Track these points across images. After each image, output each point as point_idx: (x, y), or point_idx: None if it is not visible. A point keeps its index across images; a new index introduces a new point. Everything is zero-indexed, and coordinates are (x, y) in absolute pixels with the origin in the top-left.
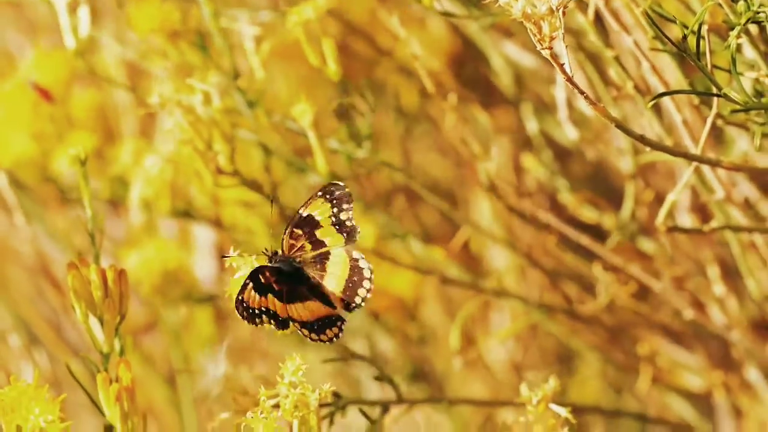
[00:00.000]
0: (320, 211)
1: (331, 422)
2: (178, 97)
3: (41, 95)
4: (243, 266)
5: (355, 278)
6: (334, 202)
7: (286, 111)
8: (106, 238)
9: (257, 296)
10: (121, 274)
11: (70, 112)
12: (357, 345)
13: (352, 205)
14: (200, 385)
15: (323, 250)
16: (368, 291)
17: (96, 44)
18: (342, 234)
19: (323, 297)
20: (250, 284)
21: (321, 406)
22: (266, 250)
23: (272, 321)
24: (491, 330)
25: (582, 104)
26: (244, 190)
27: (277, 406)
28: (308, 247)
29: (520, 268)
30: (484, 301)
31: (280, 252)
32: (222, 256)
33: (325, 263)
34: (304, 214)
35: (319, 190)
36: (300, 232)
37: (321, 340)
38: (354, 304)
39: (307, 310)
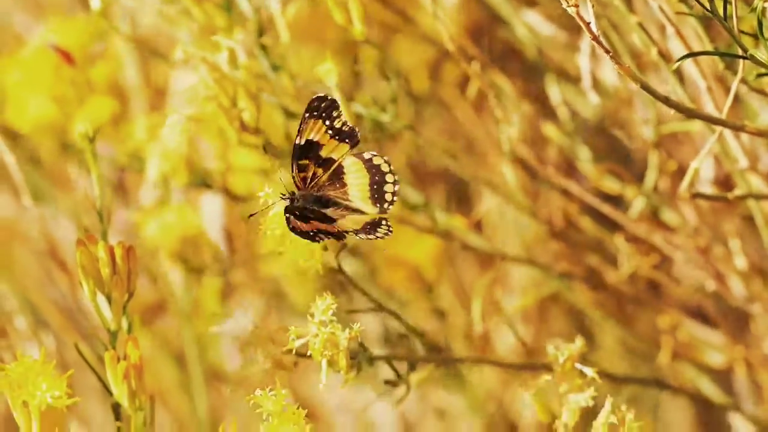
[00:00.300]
0: (314, 131)
1: (358, 370)
2: (203, 53)
3: (62, 57)
4: (278, 203)
5: (377, 177)
6: (323, 115)
7: (310, 76)
8: (116, 214)
9: (303, 224)
10: (129, 250)
11: (90, 77)
12: (370, 317)
13: (340, 110)
14: (226, 326)
15: (334, 166)
16: (394, 185)
17: (116, 11)
18: (344, 141)
19: (357, 210)
20: (291, 216)
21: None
22: (283, 195)
23: (329, 236)
24: (502, 307)
25: (606, 73)
26: (261, 156)
27: (302, 355)
28: (320, 171)
29: (538, 238)
30: (494, 280)
31: (296, 191)
32: (250, 215)
33: (342, 177)
34: (302, 143)
35: (305, 112)
36: (305, 161)
37: (377, 237)
38: (387, 203)
39: (350, 221)
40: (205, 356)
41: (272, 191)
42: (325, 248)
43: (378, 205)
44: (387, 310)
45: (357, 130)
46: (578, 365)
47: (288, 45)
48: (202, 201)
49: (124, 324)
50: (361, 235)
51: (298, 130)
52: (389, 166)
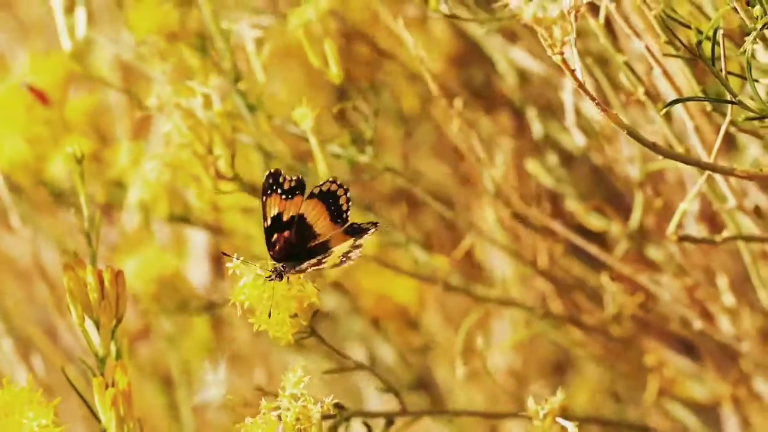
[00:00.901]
0: (273, 205)
1: None
2: (177, 99)
3: (37, 97)
4: (247, 273)
5: (330, 200)
6: (274, 187)
7: (287, 115)
8: (100, 243)
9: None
10: (117, 275)
11: (65, 115)
12: (357, 353)
13: (283, 174)
14: (200, 395)
15: (296, 220)
16: (346, 194)
17: (91, 46)
18: (296, 195)
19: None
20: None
21: (323, 418)
22: (270, 277)
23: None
24: (492, 340)
25: (590, 110)
26: (243, 195)
27: (278, 418)
28: (287, 233)
29: (524, 276)
30: (485, 311)
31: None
32: (223, 253)
33: (307, 223)
34: (268, 224)
35: (262, 195)
36: (275, 236)
37: (353, 259)
38: (345, 214)
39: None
40: (192, 380)
41: (240, 260)
42: (295, 315)
43: (340, 221)
44: (366, 368)
45: (301, 176)
46: (559, 420)
47: (264, 85)
48: (188, 233)
49: (113, 349)
50: (344, 263)
51: (263, 216)
52: (335, 183)
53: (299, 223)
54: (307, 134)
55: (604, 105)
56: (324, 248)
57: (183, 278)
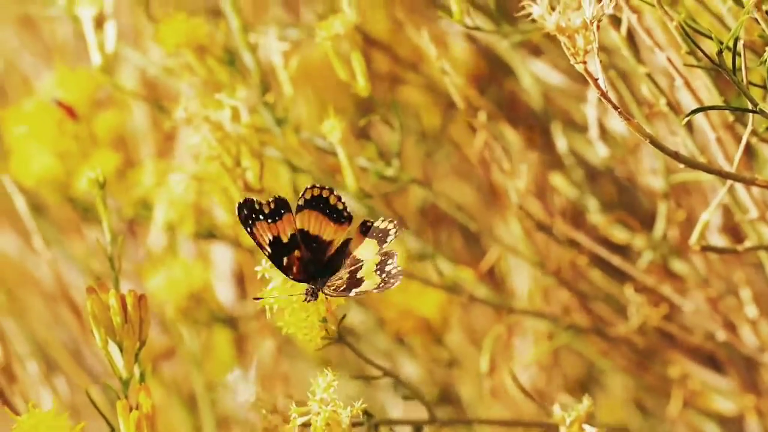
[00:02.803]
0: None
1: None
2: (206, 112)
3: (66, 112)
4: (276, 277)
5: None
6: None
7: (313, 129)
8: (124, 260)
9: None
10: (140, 299)
11: (93, 130)
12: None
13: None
14: (229, 404)
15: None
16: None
17: (119, 62)
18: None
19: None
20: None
21: (352, 425)
22: (306, 298)
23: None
24: (514, 355)
25: (613, 122)
26: None
27: (307, 424)
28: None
29: (548, 289)
30: (509, 325)
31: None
32: (255, 298)
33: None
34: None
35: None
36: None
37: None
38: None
39: None
40: (217, 401)
41: (269, 265)
42: (324, 319)
43: (344, 220)
44: (392, 376)
45: (277, 196)
46: (585, 426)
47: (291, 99)
48: (214, 248)
49: (136, 372)
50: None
51: (258, 246)
52: (315, 188)
53: (303, 238)
54: (334, 147)
55: (626, 114)
56: (343, 254)
57: (211, 292)
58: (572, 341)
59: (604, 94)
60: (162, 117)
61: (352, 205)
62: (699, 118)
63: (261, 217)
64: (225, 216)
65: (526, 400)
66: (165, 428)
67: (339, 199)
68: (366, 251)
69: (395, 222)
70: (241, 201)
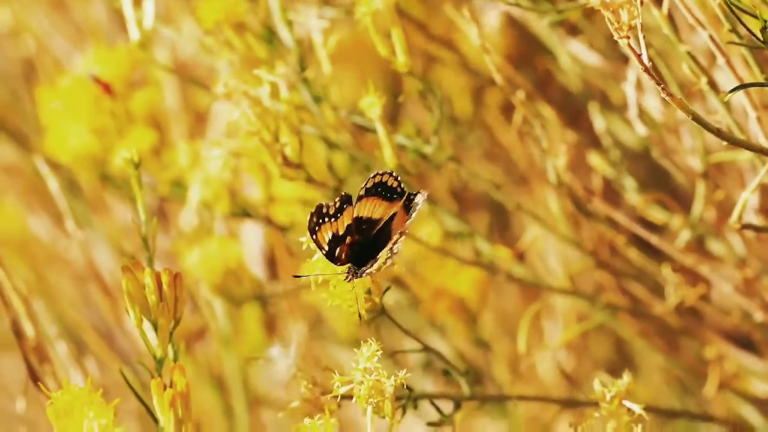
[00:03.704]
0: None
1: (403, 413)
2: (245, 87)
3: (102, 89)
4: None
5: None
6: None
7: (351, 107)
8: (160, 237)
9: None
10: (176, 278)
11: (130, 108)
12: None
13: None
14: (268, 380)
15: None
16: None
17: (153, 41)
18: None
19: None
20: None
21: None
22: (347, 277)
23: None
24: (544, 339)
25: (651, 103)
26: (305, 186)
27: (346, 396)
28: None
29: (584, 269)
30: (544, 305)
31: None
32: (294, 276)
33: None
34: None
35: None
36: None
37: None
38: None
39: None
40: (248, 382)
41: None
42: (368, 292)
43: (396, 196)
44: (432, 350)
45: (344, 194)
46: (626, 402)
47: (330, 76)
48: (244, 229)
49: (170, 351)
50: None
51: (317, 247)
52: (378, 175)
53: (357, 224)
54: (372, 124)
55: (669, 90)
56: (387, 233)
57: (246, 269)
58: (607, 321)
59: (647, 70)
60: (198, 95)
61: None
62: (738, 98)
63: (326, 219)
64: (257, 195)
65: (557, 381)
66: (196, 408)
67: (396, 178)
68: (401, 226)
69: (423, 192)
70: (315, 208)
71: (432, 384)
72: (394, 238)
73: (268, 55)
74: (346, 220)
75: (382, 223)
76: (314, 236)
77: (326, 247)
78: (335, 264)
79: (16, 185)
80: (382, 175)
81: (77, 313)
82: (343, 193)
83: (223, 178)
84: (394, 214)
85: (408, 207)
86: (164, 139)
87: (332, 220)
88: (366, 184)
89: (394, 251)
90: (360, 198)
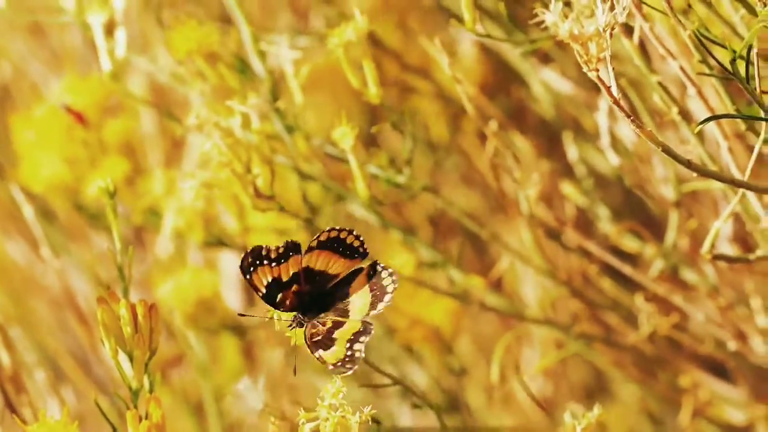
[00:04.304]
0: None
1: None
2: (217, 118)
3: (75, 118)
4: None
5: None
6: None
7: (323, 136)
8: (132, 268)
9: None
10: (151, 309)
11: (103, 137)
12: (390, 369)
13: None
14: (238, 412)
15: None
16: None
17: (128, 69)
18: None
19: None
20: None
21: None
22: (290, 325)
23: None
24: (522, 365)
25: (624, 131)
26: (279, 216)
27: (315, 431)
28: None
29: (558, 298)
30: (518, 333)
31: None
32: (239, 314)
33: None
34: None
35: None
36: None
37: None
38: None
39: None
40: (224, 409)
41: None
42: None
43: (357, 256)
44: (402, 384)
45: (290, 241)
46: None
47: (302, 106)
48: (221, 258)
49: (146, 382)
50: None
51: (253, 288)
52: (334, 230)
53: (307, 274)
54: (344, 155)
55: (639, 122)
56: (346, 287)
57: (220, 299)
58: (582, 350)
59: (616, 102)
60: (171, 124)
61: (362, 213)
62: (710, 127)
63: (266, 262)
64: (233, 224)
65: (534, 409)
66: None
67: (357, 237)
68: (360, 301)
69: (393, 272)
70: (251, 249)
71: (411, 412)
72: (357, 329)
73: (240, 85)
74: (291, 267)
75: (339, 278)
76: (247, 277)
77: (263, 290)
78: (276, 309)
79: None
80: (340, 231)
81: (54, 340)
82: (289, 240)
83: (197, 208)
84: (355, 273)
85: (371, 275)
86: (139, 167)
87: (273, 264)
88: (319, 236)
89: (354, 357)
90: (311, 249)
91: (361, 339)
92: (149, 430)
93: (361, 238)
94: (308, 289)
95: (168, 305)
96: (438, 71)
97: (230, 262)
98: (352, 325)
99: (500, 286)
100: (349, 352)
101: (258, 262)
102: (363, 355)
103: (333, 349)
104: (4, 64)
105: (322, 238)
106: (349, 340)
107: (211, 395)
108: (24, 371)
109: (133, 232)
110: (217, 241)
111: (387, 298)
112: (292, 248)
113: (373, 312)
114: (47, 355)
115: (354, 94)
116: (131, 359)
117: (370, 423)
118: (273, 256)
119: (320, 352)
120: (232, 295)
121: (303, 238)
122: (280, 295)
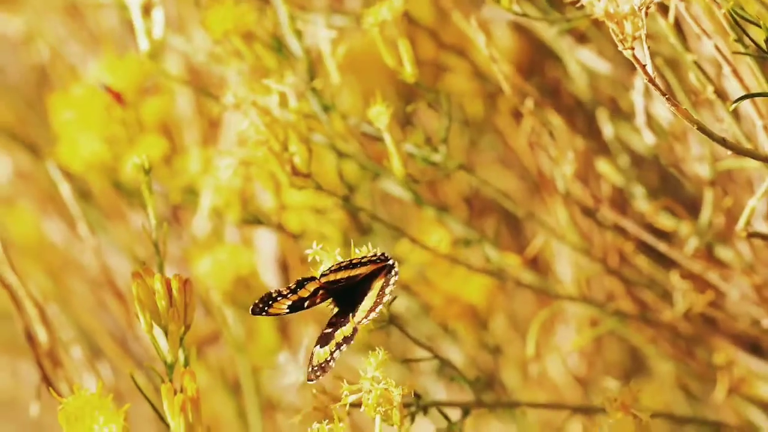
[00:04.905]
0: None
1: (412, 420)
2: (254, 97)
3: (114, 98)
4: (326, 260)
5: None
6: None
7: (359, 116)
8: (170, 246)
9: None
10: (186, 283)
11: (140, 117)
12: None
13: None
14: (277, 387)
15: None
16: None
17: (165, 50)
18: None
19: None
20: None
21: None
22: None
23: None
24: (557, 343)
25: (659, 110)
26: (315, 194)
27: (356, 404)
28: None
29: (593, 275)
30: (554, 311)
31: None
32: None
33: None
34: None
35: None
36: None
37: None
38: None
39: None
40: (261, 386)
41: (320, 247)
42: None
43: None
44: (441, 359)
45: (301, 279)
46: (632, 410)
47: (338, 86)
48: (257, 236)
49: (181, 356)
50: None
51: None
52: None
53: (328, 284)
54: (381, 133)
55: (674, 100)
56: (366, 288)
57: (257, 277)
58: (617, 327)
59: (651, 80)
60: (208, 104)
61: (398, 191)
62: (746, 105)
63: (279, 299)
64: (270, 202)
65: (568, 386)
66: (209, 413)
67: (374, 255)
68: (367, 303)
69: (391, 286)
70: (257, 299)
71: (445, 390)
72: (347, 334)
73: (277, 64)
74: (310, 287)
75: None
76: (263, 314)
77: (285, 311)
78: (304, 309)
79: (31, 191)
80: (351, 260)
81: (92, 318)
82: (300, 278)
83: (234, 186)
84: (377, 272)
85: (387, 276)
86: (176, 146)
87: (288, 296)
88: (331, 268)
89: (331, 359)
90: (324, 275)
91: (342, 347)
92: (184, 403)
93: (379, 255)
94: (336, 286)
95: (205, 283)
96: (474, 50)
97: (267, 240)
98: (347, 328)
99: (536, 264)
100: (328, 358)
101: (271, 302)
102: (333, 366)
103: (326, 348)
104: (41, 46)
105: (334, 269)
106: (337, 344)
107: (247, 372)
108: (61, 348)
109: (170, 211)
110: (254, 219)
111: (378, 308)
112: (307, 280)
113: (364, 321)
114: (84, 333)
115: (390, 73)
116: (166, 334)
117: (413, 395)
118: (285, 292)
119: (317, 348)
120: (268, 273)
121: (339, 218)
122: (306, 303)
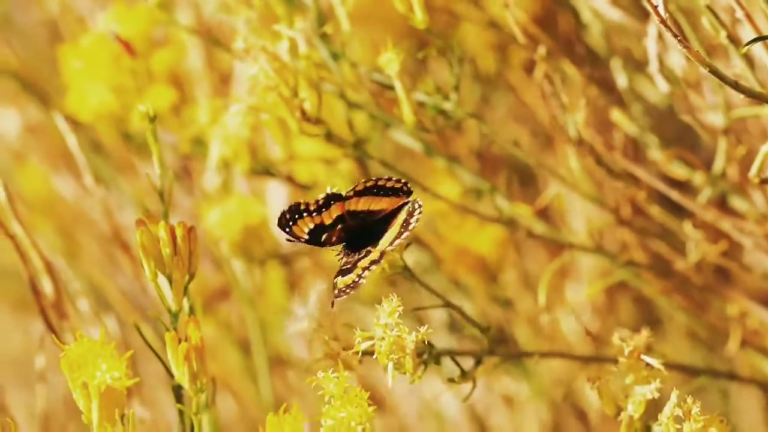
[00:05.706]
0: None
1: (424, 369)
2: (264, 42)
3: (123, 47)
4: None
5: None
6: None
7: (369, 65)
8: (180, 199)
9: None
10: (190, 231)
11: (150, 67)
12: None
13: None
14: (291, 327)
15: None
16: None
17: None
18: None
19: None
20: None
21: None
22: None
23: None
24: (568, 298)
25: (673, 59)
26: (325, 144)
27: (368, 352)
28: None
29: (606, 226)
30: (565, 262)
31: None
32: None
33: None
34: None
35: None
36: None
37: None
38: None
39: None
40: (270, 341)
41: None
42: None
43: (402, 194)
44: (453, 306)
45: (332, 191)
46: (644, 357)
47: (348, 33)
48: (267, 188)
49: (186, 305)
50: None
51: (293, 238)
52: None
53: (351, 214)
54: (391, 81)
55: (686, 42)
56: (387, 225)
57: (267, 228)
58: (630, 278)
59: (664, 21)
60: (218, 55)
61: (408, 141)
62: (760, 52)
63: (305, 214)
64: (279, 152)
65: (580, 340)
66: (218, 368)
67: (398, 180)
68: (391, 234)
69: (417, 221)
70: (290, 206)
71: (456, 343)
72: (375, 258)
73: (286, 12)
74: (334, 212)
75: (383, 214)
76: (287, 230)
77: (305, 237)
78: (322, 246)
79: (41, 145)
80: (378, 179)
81: (101, 273)
82: (329, 191)
83: (243, 136)
84: (399, 208)
85: (411, 211)
86: (186, 98)
87: (314, 214)
88: (356, 187)
89: (361, 278)
90: (349, 197)
91: (372, 267)
92: (188, 351)
93: (402, 180)
94: (354, 225)
95: (215, 235)
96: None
97: (276, 191)
98: (373, 254)
99: (547, 215)
100: (356, 278)
101: (297, 216)
102: (365, 281)
103: (349, 275)
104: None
105: (358, 188)
106: (364, 268)
107: (257, 327)
108: (67, 300)
109: (181, 165)
110: (263, 170)
111: (405, 234)
112: (333, 197)
113: (389, 248)
114: (93, 287)
115: (401, 23)
116: (170, 282)
117: (425, 343)
118: (312, 208)
119: (338, 278)
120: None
121: (349, 169)
122: (324, 236)
